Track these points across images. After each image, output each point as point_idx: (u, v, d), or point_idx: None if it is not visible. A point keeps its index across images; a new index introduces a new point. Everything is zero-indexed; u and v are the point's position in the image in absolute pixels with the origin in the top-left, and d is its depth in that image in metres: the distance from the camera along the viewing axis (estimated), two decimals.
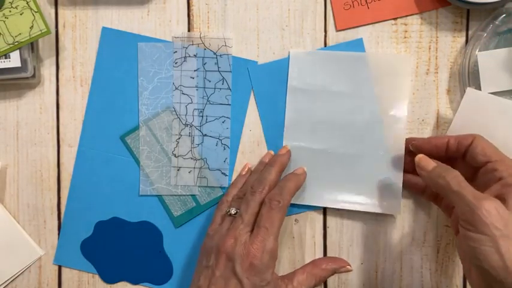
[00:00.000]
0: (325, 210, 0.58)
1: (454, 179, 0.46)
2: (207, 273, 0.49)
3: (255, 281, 0.48)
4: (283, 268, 0.59)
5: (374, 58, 0.57)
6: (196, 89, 0.58)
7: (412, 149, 0.55)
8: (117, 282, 0.59)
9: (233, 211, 0.52)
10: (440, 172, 0.48)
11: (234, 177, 0.58)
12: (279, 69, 0.57)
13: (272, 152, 0.57)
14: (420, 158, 0.51)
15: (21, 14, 0.54)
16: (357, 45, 0.57)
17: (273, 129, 0.58)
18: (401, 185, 0.56)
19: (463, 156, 0.51)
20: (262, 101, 0.58)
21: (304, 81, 0.57)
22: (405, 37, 0.58)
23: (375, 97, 0.56)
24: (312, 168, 0.56)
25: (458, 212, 0.45)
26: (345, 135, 0.57)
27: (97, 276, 0.59)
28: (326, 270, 0.52)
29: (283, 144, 0.57)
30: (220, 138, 0.58)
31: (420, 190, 0.56)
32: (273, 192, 0.51)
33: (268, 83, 0.58)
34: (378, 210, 0.56)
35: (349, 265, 0.53)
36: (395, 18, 0.57)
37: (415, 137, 0.57)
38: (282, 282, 0.50)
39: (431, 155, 0.51)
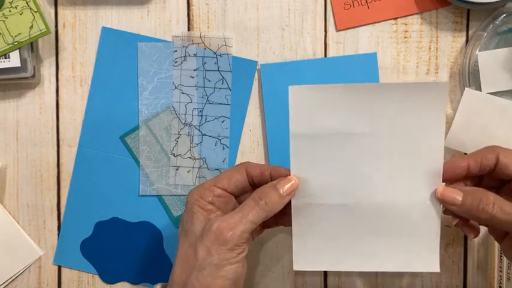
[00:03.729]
0: None
1: (496, 208, 0.43)
2: None
3: (184, 214, 0.48)
4: (284, 267, 0.59)
5: (397, 89, 0.45)
6: (196, 89, 0.58)
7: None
8: (117, 282, 0.59)
9: None
10: (475, 204, 0.43)
11: None
12: (292, 71, 0.57)
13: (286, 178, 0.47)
14: (442, 192, 0.45)
15: (20, 14, 0.54)
16: (369, 59, 0.57)
17: (278, 131, 0.57)
18: (438, 238, 0.47)
19: (487, 174, 0.47)
20: (269, 101, 0.57)
21: (310, 125, 0.46)
22: (405, 37, 0.57)
23: (403, 136, 0.46)
24: (331, 228, 0.48)
25: None
26: (369, 185, 0.47)
27: (97, 276, 0.59)
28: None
29: (292, 205, 0.48)
30: (220, 138, 0.58)
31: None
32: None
33: (278, 83, 0.57)
34: (413, 268, 0.48)
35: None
36: (395, 18, 0.57)
37: None
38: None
39: (452, 181, 0.47)
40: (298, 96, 0.46)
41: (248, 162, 0.50)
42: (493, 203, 0.43)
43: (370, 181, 0.47)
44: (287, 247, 0.58)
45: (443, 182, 0.46)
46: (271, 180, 0.48)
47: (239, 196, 0.50)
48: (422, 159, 0.46)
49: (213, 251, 0.43)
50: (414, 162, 0.46)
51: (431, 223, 0.47)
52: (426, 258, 0.47)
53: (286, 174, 0.47)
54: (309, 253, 0.49)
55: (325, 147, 0.47)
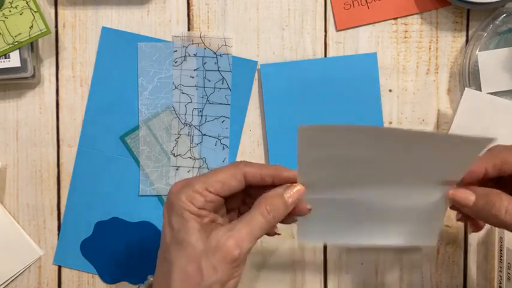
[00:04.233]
0: None
1: (509, 215, 0.40)
2: None
3: (171, 218, 0.43)
4: (284, 267, 0.59)
5: (429, 139, 0.40)
6: (196, 89, 0.58)
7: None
8: (117, 282, 0.59)
9: None
10: (487, 208, 0.41)
11: None
12: (292, 71, 0.57)
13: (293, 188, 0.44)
14: (453, 193, 0.43)
15: (21, 14, 0.54)
16: (369, 59, 0.57)
17: (278, 131, 0.57)
18: (442, 222, 0.45)
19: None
20: (269, 101, 0.57)
21: (320, 157, 0.42)
22: (405, 37, 0.57)
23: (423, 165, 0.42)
24: (333, 213, 0.46)
25: None
26: (377, 188, 0.44)
27: (97, 276, 0.59)
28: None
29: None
30: (220, 138, 0.58)
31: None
32: None
33: (278, 83, 0.57)
34: (411, 244, 0.47)
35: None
36: (395, 18, 0.57)
37: None
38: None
39: (467, 185, 0.44)
40: (309, 137, 0.41)
41: (245, 163, 0.45)
42: (506, 209, 0.40)
43: (378, 185, 0.44)
44: (287, 247, 0.58)
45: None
46: (273, 184, 0.44)
47: (230, 198, 0.46)
48: (440, 178, 0.43)
49: (219, 269, 0.41)
50: (430, 179, 0.43)
51: (435, 216, 0.45)
52: (426, 236, 0.46)
53: (290, 177, 0.44)
54: (311, 229, 0.47)
55: (334, 166, 0.43)
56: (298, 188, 0.43)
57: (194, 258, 0.41)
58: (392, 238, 0.47)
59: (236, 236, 0.41)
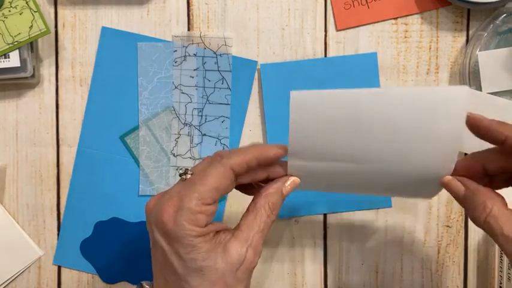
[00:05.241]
0: None
1: (486, 222, 0.40)
2: None
3: (177, 248, 0.40)
4: (284, 268, 0.59)
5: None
6: (196, 89, 0.58)
7: (467, 125, 0.42)
8: (117, 282, 0.59)
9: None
10: (471, 208, 0.41)
11: None
12: (292, 71, 0.57)
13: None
14: (448, 180, 0.43)
15: (20, 14, 0.54)
16: (369, 59, 0.57)
17: (278, 131, 0.57)
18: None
19: None
20: (269, 101, 0.57)
21: (311, 121, 0.42)
22: (405, 37, 0.57)
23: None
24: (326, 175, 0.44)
25: None
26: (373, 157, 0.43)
27: (97, 277, 0.59)
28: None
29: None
30: (220, 138, 0.58)
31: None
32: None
33: (278, 83, 0.57)
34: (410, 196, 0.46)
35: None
36: (395, 18, 0.57)
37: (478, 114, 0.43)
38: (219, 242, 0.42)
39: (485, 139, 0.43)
40: (299, 101, 0.42)
41: (227, 156, 0.42)
42: (485, 219, 0.40)
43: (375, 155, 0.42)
44: (288, 247, 0.58)
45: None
46: (258, 165, 0.43)
47: None
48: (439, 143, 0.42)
49: (242, 279, 0.41)
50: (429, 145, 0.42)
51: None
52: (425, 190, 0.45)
53: (276, 155, 0.43)
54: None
55: (325, 130, 0.42)
56: (293, 179, 0.44)
57: (219, 279, 0.40)
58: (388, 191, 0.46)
59: (253, 244, 0.41)
